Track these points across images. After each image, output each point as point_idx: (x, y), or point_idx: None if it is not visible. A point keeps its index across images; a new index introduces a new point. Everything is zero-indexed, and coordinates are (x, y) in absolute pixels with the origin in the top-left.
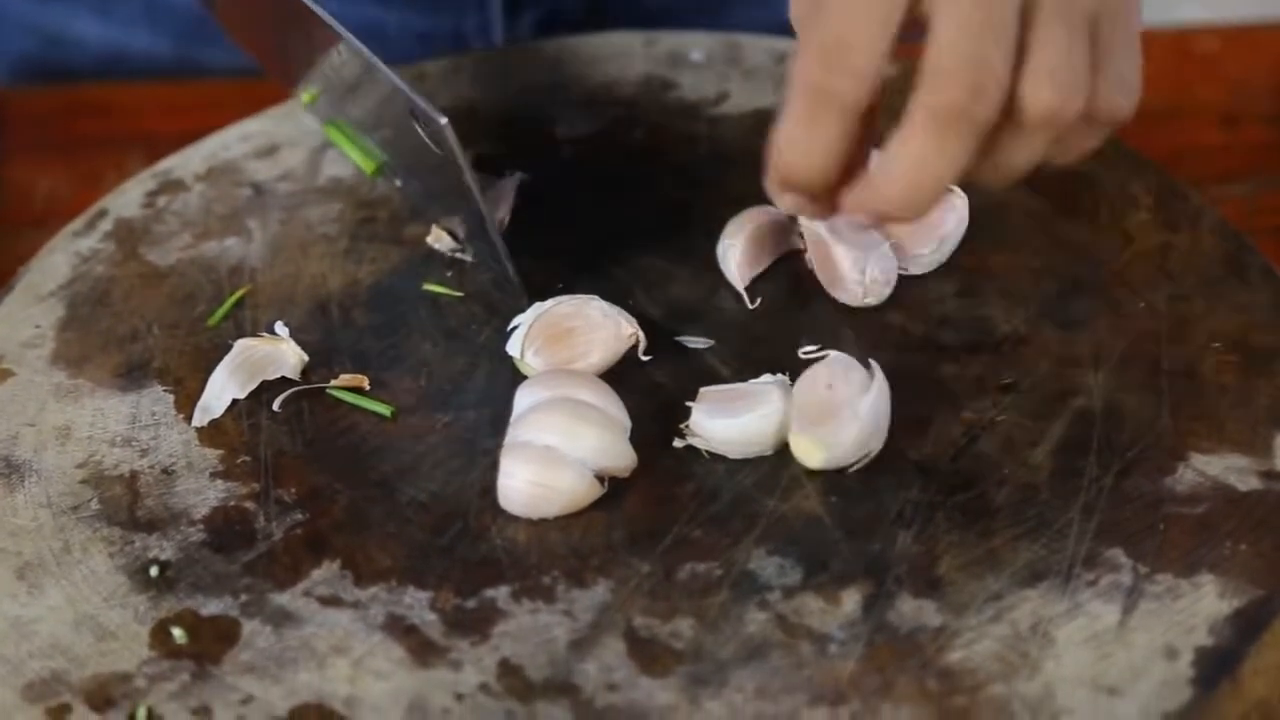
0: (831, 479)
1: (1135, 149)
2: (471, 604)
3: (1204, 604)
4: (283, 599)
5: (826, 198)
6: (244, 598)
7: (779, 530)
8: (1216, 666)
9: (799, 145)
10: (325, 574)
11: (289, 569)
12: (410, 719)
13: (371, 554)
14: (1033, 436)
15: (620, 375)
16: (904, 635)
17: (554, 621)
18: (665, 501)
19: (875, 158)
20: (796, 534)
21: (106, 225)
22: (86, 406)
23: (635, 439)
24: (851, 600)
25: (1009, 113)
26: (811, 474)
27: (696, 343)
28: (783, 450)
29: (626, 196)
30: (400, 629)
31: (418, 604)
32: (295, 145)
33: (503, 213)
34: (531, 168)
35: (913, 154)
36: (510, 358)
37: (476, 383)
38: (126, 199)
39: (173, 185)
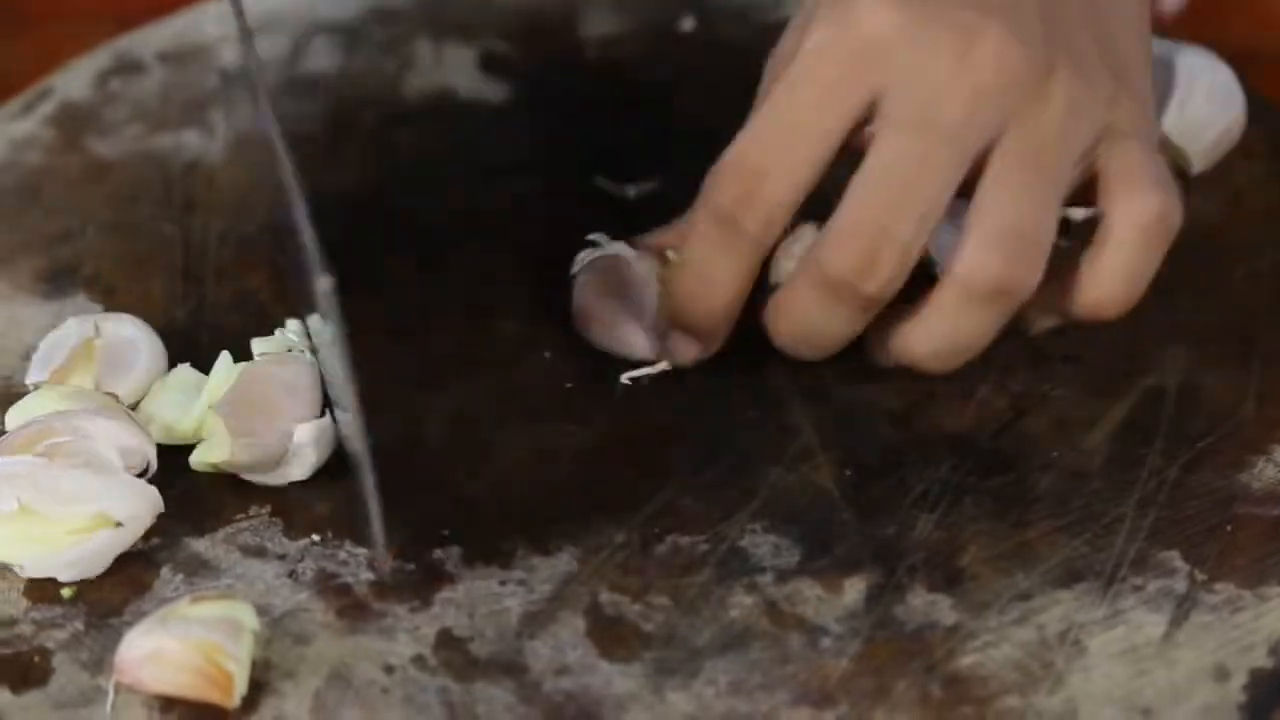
0: (849, 449)
1: (1254, 89)
2: (414, 565)
3: (1268, 620)
4: (200, 545)
5: (713, 338)
6: (156, 540)
7: (780, 504)
8: (1273, 693)
9: (698, 275)
10: (252, 521)
11: (211, 513)
12: (330, 690)
13: (307, 500)
14: (1090, 416)
15: None
16: (910, 633)
17: (507, 591)
18: (653, 463)
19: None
20: (800, 510)
21: (48, 108)
22: (1, 314)
23: (619, 389)
24: (854, 589)
25: (945, 280)
26: (826, 443)
27: None
28: (794, 412)
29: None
30: (330, 588)
31: (353, 561)
32: (278, 30)
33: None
34: (547, 70)
35: (798, 307)
36: (496, 287)
37: (452, 313)
38: (75, 78)
39: (130, 66)
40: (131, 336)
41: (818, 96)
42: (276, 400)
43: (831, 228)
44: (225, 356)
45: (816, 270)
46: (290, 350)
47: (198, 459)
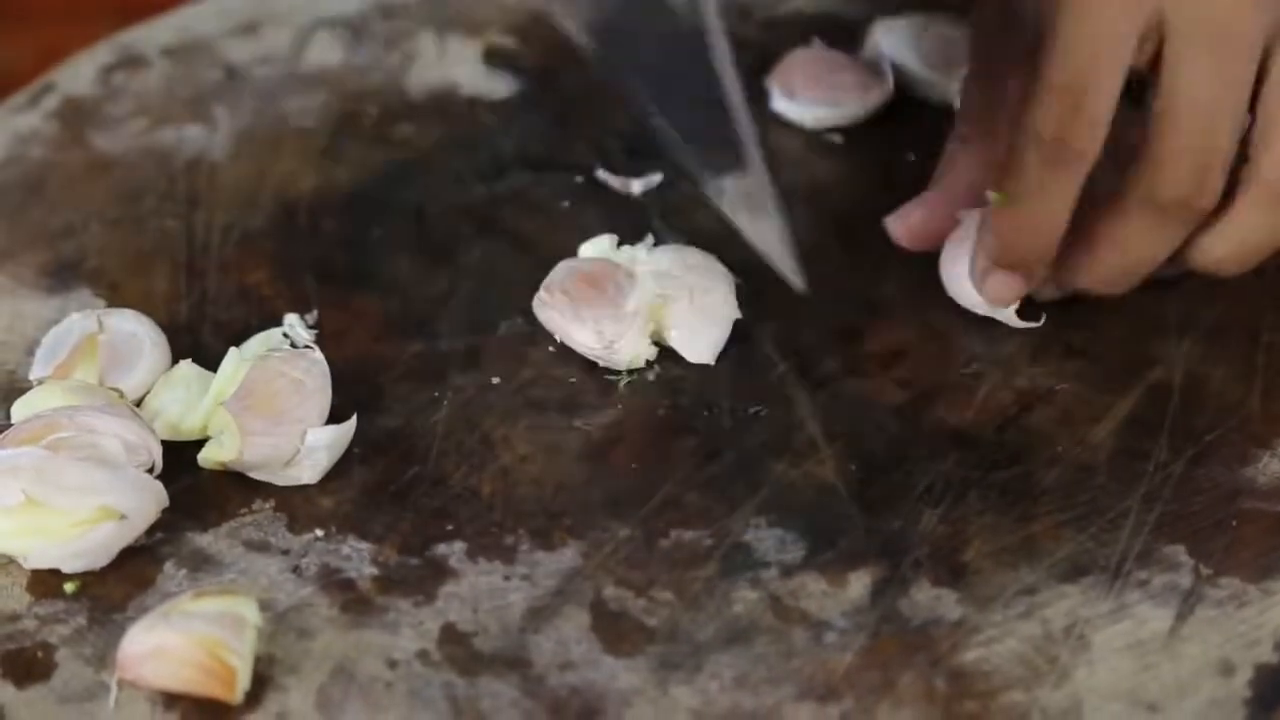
0: (854, 443)
1: None
2: (418, 560)
3: (1273, 615)
4: (204, 540)
5: (1037, 271)
6: (160, 535)
7: (785, 499)
8: (1278, 687)
9: (1036, 210)
10: (256, 516)
11: (215, 507)
12: (334, 685)
13: (311, 496)
14: (1096, 411)
15: None
16: (915, 628)
17: (511, 586)
18: (658, 457)
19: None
20: (805, 504)
21: (52, 102)
22: (4, 308)
23: (622, 385)
24: (859, 584)
25: (1244, 185)
26: (831, 437)
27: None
28: (798, 407)
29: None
30: (334, 583)
31: (357, 556)
32: (280, 24)
33: None
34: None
35: (1124, 239)
36: (499, 282)
37: (455, 309)
38: (78, 73)
39: (133, 61)
40: (134, 332)
41: (1113, 9)
42: (286, 399)
43: (1153, 155)
44: (234, 353)
45: (1148, 197)
46: (294, 345)
47: (206, 457)
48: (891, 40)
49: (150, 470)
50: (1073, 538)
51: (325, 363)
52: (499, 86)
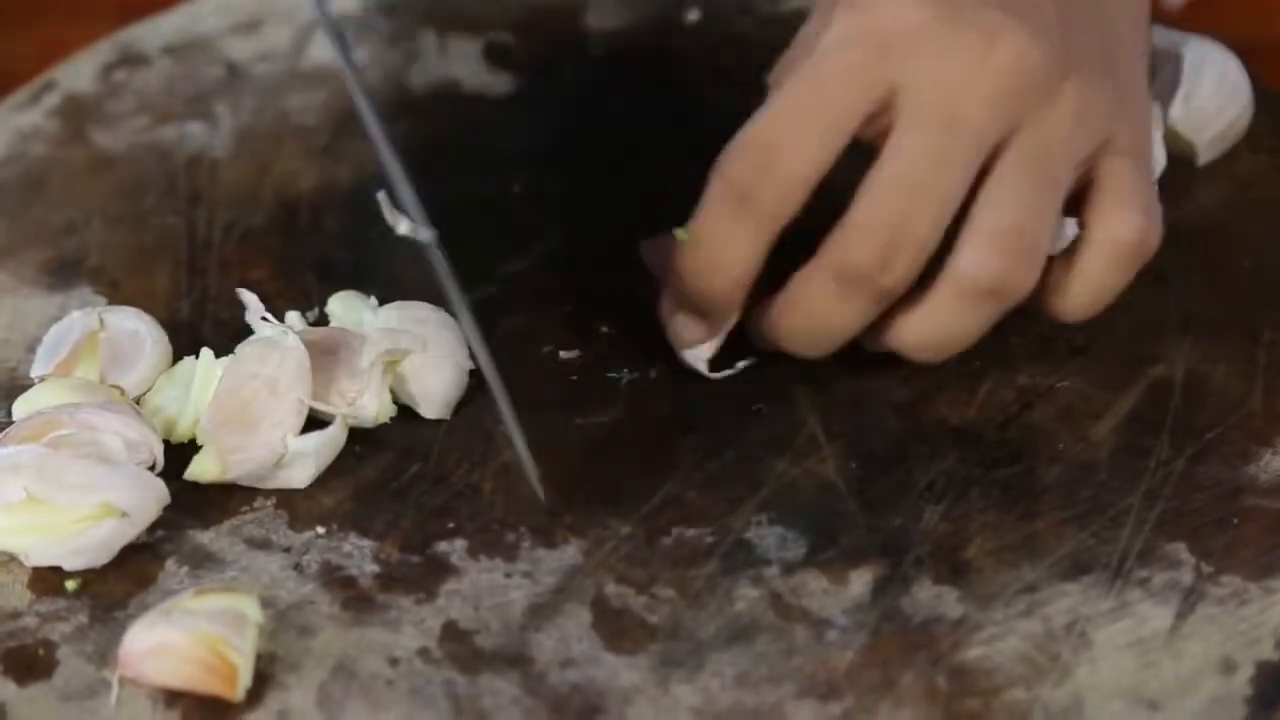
0: (855, 441)
1: (1261, 80)
2: (419, 558)
3: (1274, 613)
4: (205, 537)
5: (720, 320)
6: (161, 532)
7: (786, 497)
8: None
9: (717, 257)
10: (257, 513)
11: (216, 505)
12: (335, 683)
13: (312, 494)
14: (1097, 408)
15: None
16: (916, 626)
17: (512, 583)
18: (658, 455)
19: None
20: (806, 502)
21: (53, 99)
22: (5, 305)
23: (626, 380)
24: (860, 582)
25: (943, 275)
26: (832, 435)
27: None
28: (799, 404)
29: (651, 102)
30: (335, 580)
31: (358, 553)
32: (281, 22)
33: None
34: (552, 62)
35: (807, 301)
36: (497, 281)
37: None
38: (79, 71)
39: (134, 58)
40: (135, 329)
41: (839, 80)
42: (260, 405)
43: (848, 222)
44: (206, 354)
45: (832, 264)
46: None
47: (193, 474)
48: None
49: (151, 468)
50: (1074, 535)
51: (301, 347)
52: (500, 84)
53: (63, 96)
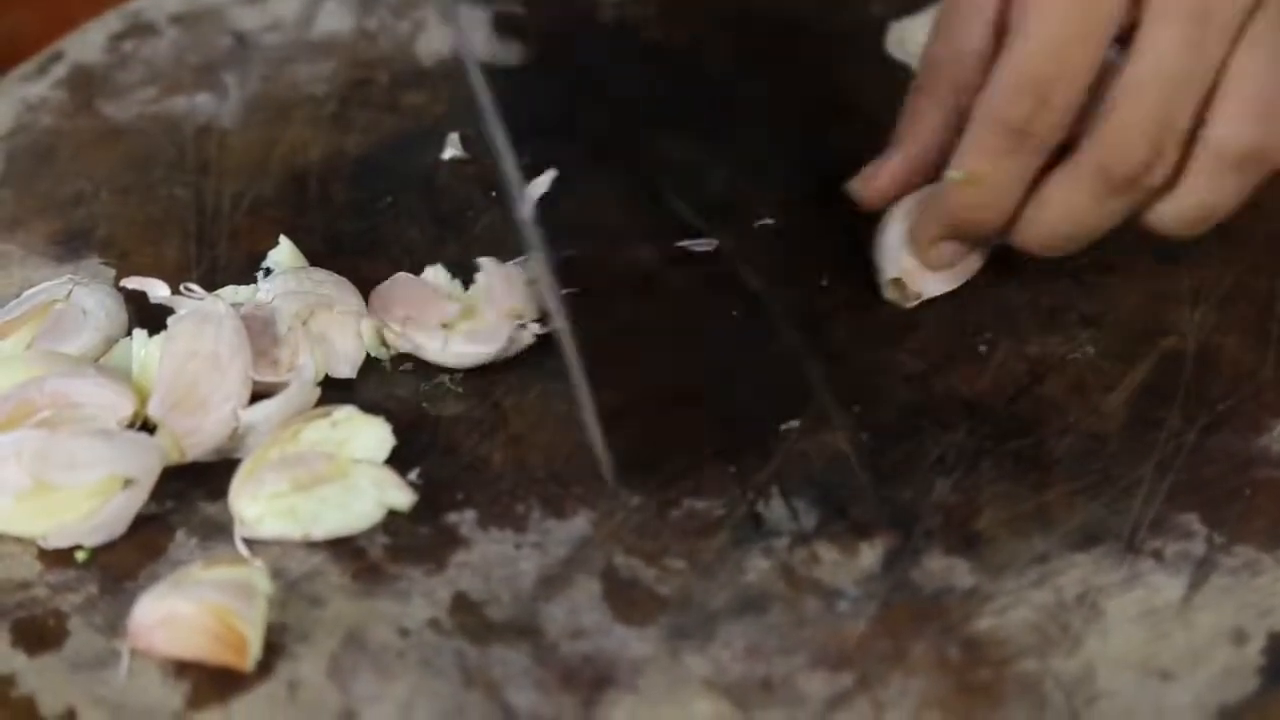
0: (867, 413)
1: None
2: (429, 529)
3: None
4: (214, 509)
5: (986, 243)
6: (170, 504)
7: (797, 468)
8: None
9: (995, 190)
10: None
11: (225, 476)
12: (345, 653)
13: None
14: (1109, 380)
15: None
16: (927, 596)
17: (522, 554)
18: (669, 427)
19: None
20: (816, 474)
21: (61, 70)
22: (14, 276)
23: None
24: (871, 553)
25: (1196, 154)
26: (844, 406)
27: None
28: (811, 376)
29: (669, 71)
30: (346, 551)
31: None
32: None
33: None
34: (561, 30)
35: (1071, 206)
36: (507, 251)
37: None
38: (87, 41)
39: (142, 28)
40: (90, 309)
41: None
42: (206, 382)
43: (1111, 125)
44: (139, 335)
45: (1098, 166)
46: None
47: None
48: (910, 39)
49: (134, 425)
50: (1086, 506)
51: (233, 313)
52: (508, 54)
53: (71, 67)
